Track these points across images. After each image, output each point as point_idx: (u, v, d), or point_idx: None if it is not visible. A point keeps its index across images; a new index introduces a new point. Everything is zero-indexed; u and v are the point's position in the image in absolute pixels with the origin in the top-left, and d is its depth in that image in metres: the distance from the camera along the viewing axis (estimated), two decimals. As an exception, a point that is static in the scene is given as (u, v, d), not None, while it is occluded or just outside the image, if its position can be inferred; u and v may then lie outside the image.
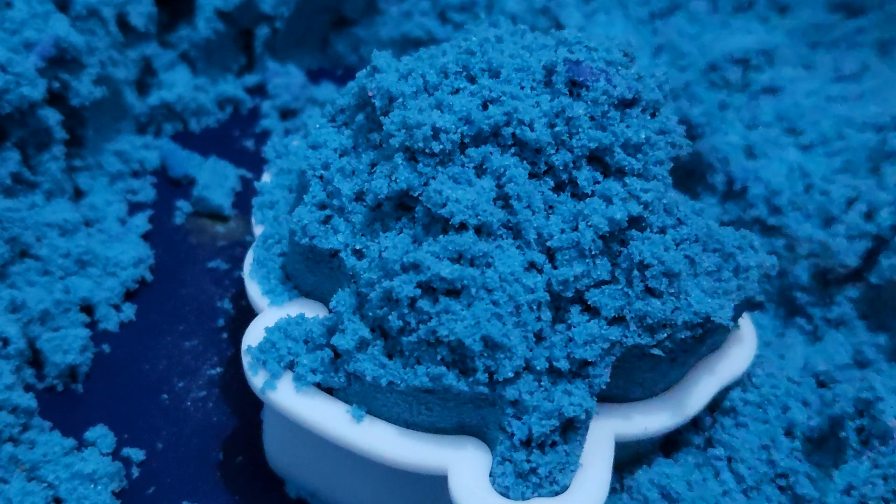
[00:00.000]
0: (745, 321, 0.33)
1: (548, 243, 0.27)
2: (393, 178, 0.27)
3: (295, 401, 0.28)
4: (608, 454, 0.28)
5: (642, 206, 0.27)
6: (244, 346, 0.29)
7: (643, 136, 0.28)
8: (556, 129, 0.27)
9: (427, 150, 0.27)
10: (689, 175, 0.42)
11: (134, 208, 0.42)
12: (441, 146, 0.27)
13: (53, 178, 0.39)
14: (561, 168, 0.27)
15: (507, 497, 0.26)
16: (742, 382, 0.32)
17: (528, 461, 0.26)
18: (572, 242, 0.27)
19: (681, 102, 0.42)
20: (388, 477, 0.29)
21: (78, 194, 0.41)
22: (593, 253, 0.27)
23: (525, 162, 0.27)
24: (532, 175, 0.28)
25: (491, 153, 0.27)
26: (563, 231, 0.27)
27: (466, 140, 0.27)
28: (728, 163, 0.39)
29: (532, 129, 0.27)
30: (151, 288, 0.39)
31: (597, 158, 0.28)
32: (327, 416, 0.28)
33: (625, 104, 0.28)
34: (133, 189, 0.43)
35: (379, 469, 0.28)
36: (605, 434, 0.28)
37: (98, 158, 0.42)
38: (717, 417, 0.32)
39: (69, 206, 0.39)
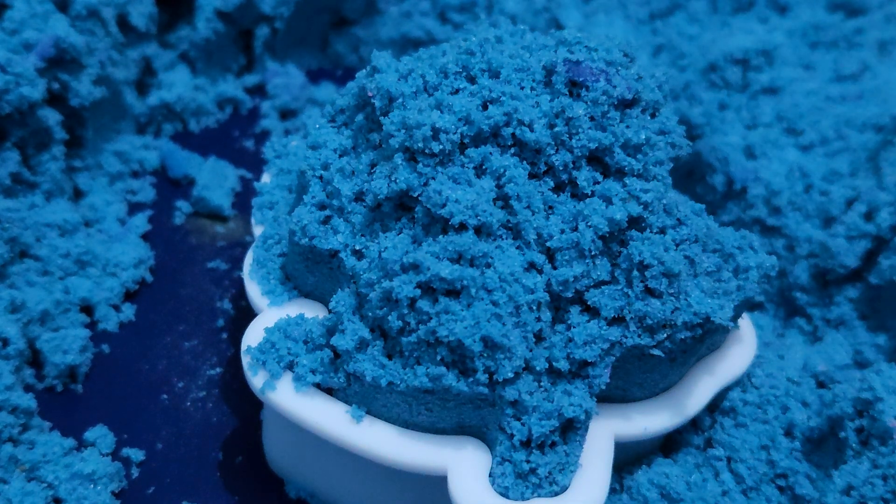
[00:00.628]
0: (745, 321, 0.33)
1: (548, 244, 0.27)
2: (393, 179, 0.27)
3: (294, 401, 0.28)
4: (608, 454, 0.28)
5: (642, 206, 0.27)
6: (244, 347, 0.29)
7: (643, 137, 0.28)
8: (556, 129, 0.27)
9: (427, 151, 0.27)
10: (689, 175, 0.42)
11: (134, 208, 0.42)
12: (441, 146, 0.27)
13: (53, 178, 0.39)
14: (561, 168, 0.27)
15: (507, 497, 0.26)
16: (742, 382, 0.32)
17: (528, 461, 0.26)
18: (572, 243, 0.27)
19: (680, 102, 0.42)
20: (388, 477, 0.29)
21: (78, 194, 0.41)
22: (593, 253, 0.27)
23: (525, 162, 0.27)
24: (532, 175, 0.28)
25: (491, 153, 0.27)
26: (562, 231, 0.27)
27: (466, 140, 0.27)
28: (728, 163, 0.39)
29: (532, 130, 0.27)
30: (151, 288, 0.39)
31: (597, 159, 0.28)
32: (327, 416, 0.28)
33: (625, 104, 0.28)
34: (133, 189, 0.43)
35: (379, 469, 0.28)
36: (605, 434, 0.28)
37: (98, 158, 0.42)
38: (716, 417, 0.32)
39: (69, 207, 0.39)
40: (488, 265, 0.26)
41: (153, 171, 0.44)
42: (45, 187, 0.38)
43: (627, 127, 0.28)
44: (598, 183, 0.28)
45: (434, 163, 0.27)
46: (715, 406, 0.32)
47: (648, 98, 0.29)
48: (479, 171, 0.27)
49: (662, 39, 0.46)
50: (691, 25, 0.47)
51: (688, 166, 0.41)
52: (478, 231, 0.26)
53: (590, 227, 0.27)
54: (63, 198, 0.39)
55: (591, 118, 0.28)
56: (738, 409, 0.32)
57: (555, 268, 0.27)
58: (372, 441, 0.27)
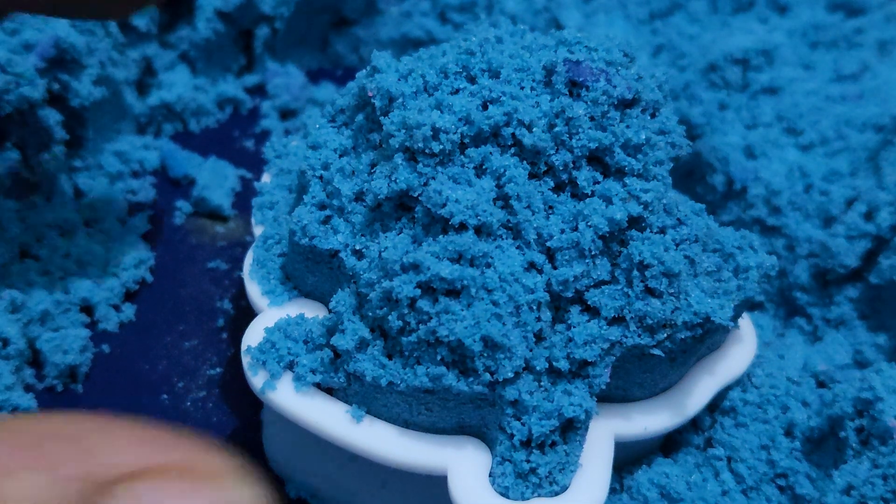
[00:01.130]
0: (745, 321, 0.33)
1: (548, 243, 0.27)
2: (393, 179, 0.27)
3: (295, 401, 0.28)
4: (608, 454, 0.28)
5: (642, 206, 0.27)
6: (244, 347, 0.29)
7: (643, 137, 0.28)
8: (556, 129, 0.27)
9: (427, 151, 0.27)
10: (689, 175, 0.42)
11: (134, 208, 0.42)
12: (441, 146, 0.27)
13: (53, 178, 0.39)
14: (561, 168, 0.27)
15: (507, 497, 0.26)
16: (742, 382, 0.32)
17: (528, 461, 0.26)
18: (572, 242, 0.27)
19: (680, 102, 0.42)
20: (388, 477, 0.29)
21: (78, 194, 0.41)
22: (593, 253, 0.27)
23: (525, 162, 0.27)
24: (532, 175, 0.28)
25: (491, 153, 0.27)
26: (562, 231, 0.27)
27: (466, 140, 0.27)
28: (728, 163, 0.39)
29: (531, 130, 0.27)
30: (151, 288, 0.39)
31: (597, 159, 0.28)
32: (327, 416, 0.28)
33: (625, 104, 0.28)
34: (133, 189, 0.43)
35: (379, 469, 0.28)
36: (605, 434, 0.28)
37: (98, 158, 0.42)
38: (716, 417, 0.32)
39: (69, 206, 0.39)
40: (488, 265, 0.26)
41: (153, 171, 0.44)
42: (45, 187, 0.38)
43: (627, 127, 0.28)
44: (598, 183, 0.28)
45: (434, 163, 0.27)
46: (715, 406, 0.32)
47: (648, 98, 0.29)
48: (479, 171, 0.27)
49: (662, 39, 0.46)
50: (691, 25, 0.47)
51: (688, 166, 0.41)
52: (478, 231, 0.26)
53: (590, 226, 0.27)
54: (63, 198, 0.39)
55: (591, 118, 0.27)
56: (738, 409, 0.32)
57: (555, 267, 0.27)
58: (372, 441, 0.27)
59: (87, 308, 0.37)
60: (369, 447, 0.27)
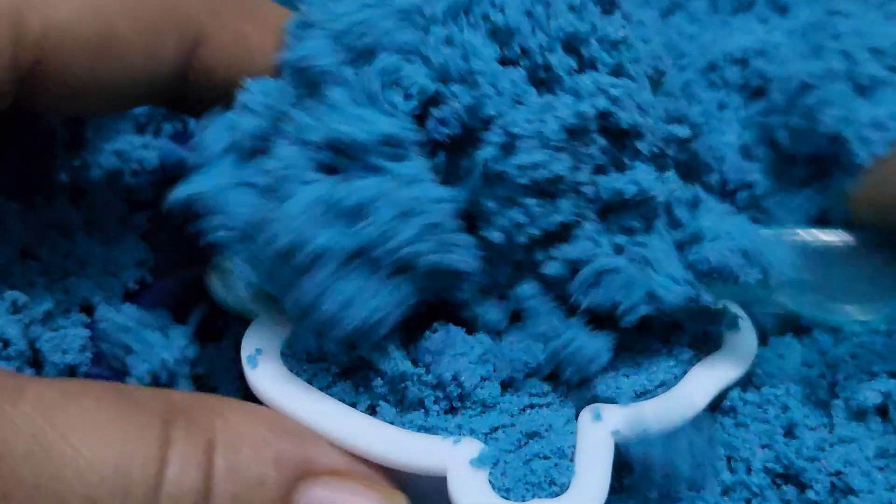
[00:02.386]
0: (745, 321, 0.33)
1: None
2: None
3: (294, 401, 0.28)
4: (608, 454, 0.28)
5: (611, 101, 0.27)
6: (243, 348, 0.29)
7: (621, 34, 0.27)
8: (534, 13, 0.27)
9: None
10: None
11: (134, 208, 0.42)
12: None
13: (53, 178, 0.39)
14: (536, 51, 0.27)
15: (507, 499, 0.26)
16: (742, 382, 0.32)
17: (528, 461, 0.26)
18: (537, 132, 0.26)
19: (680, 102, 0.42)
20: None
21: (78, 194, 0.41)
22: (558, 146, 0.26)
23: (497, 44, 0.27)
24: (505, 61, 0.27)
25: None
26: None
27: None
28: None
29: (504, 13, 0.27)
30: (151, 288, 0.39)
31: (572, 49, 0.27)
32: (327, 416, 0.28)
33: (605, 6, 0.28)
34: (133, 189, 0.43)
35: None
36: (605, 434, 0.28)
37: (98, 158, 0.42)
38: (716, 417, 0.32)
39: (69, 206, 0.39)
40: None
41: (153, 171, 0.44)
42: (45, 187, 0.39)
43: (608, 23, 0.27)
44: (573, 72, 0.27)
45: None
46: (715, 406, 0.33)
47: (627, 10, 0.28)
48: None
49: (662, 39, 0.46)
50: (691, 25, 0.47)
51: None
52: None
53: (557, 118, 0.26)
54: (63, 198, 0.39)
55: (571, 8, 0.27)
56: (738, 409, 0.32)
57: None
58: (372, 441, 0.27)
59: (87, 308, 0.37)
60: (369, 447, 0.27)
